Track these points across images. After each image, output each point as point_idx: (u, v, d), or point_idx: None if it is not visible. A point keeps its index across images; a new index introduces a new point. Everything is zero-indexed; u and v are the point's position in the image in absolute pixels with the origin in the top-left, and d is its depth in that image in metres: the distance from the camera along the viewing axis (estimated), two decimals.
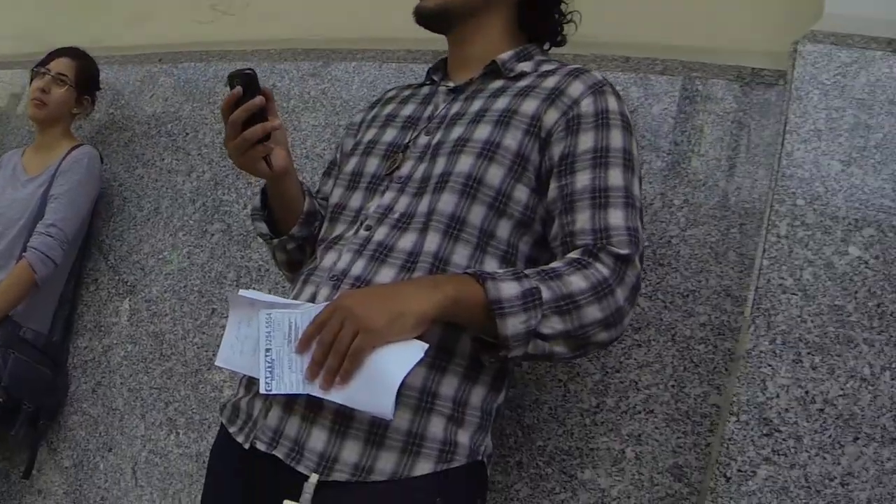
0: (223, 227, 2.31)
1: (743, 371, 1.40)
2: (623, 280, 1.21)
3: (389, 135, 1.46)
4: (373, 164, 1.43)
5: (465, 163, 1.30)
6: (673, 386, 1.62)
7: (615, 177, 1.27)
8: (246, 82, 1.30)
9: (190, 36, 2.68)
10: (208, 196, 2.38)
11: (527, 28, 1.50)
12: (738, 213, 1.66)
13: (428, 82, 1.55)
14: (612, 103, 1.33)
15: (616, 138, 1.30)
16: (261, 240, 1.63)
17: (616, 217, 1.24)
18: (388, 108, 1.53)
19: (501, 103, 1.36)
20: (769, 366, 1.39)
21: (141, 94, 2.65)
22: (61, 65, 2.54)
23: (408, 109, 1.49)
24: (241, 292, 1.26)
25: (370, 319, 1.09)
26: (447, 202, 1.28)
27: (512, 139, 1.31)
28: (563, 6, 1.53)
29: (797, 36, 1.53)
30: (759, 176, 1.66)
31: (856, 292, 1.38)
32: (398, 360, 1.09)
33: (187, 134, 2.49)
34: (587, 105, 1.32)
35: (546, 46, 1.54)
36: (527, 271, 1.20)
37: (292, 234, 1.48)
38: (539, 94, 1.35)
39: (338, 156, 1.59)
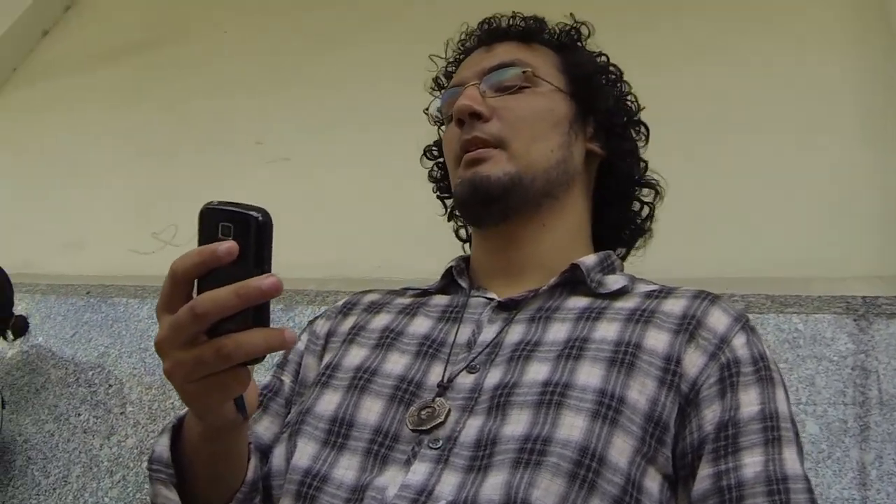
0: None
1: None
2: None
3: (396, 363, 1.00)
4: (374, 410, 0.95)
5: (571, 426, 0.85)
6: None
7: (792, 461, 0.88)
8: (245, 232, 0.66)
9: (125, 268, 2.43)
10: (130, 468, 2.03)
11: (604, 229, 1.18)
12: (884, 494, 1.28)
13: (432, 290, 1.14)
14: (764, 346, 0.97)
15: (782, 400, 0.93)
16: None
17: None
18: (380, 320, 1.09)
19: (608, 332, 0.95)
20: None
21: (62, 332, 2.34)
22: None
23: (420, 325, 1.05)
24: None
25: None
26: (546, 492, 0.81)
27: (640, 392, 0.89)
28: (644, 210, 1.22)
29: None
30: None
31: None
32: None
33: (111, 386, 2.16)
34: (742, 347, 0.94)
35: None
36: None
37: None
38: (664, 324, 0.96)
39: (284, 379, 1.10)
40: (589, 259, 1.06)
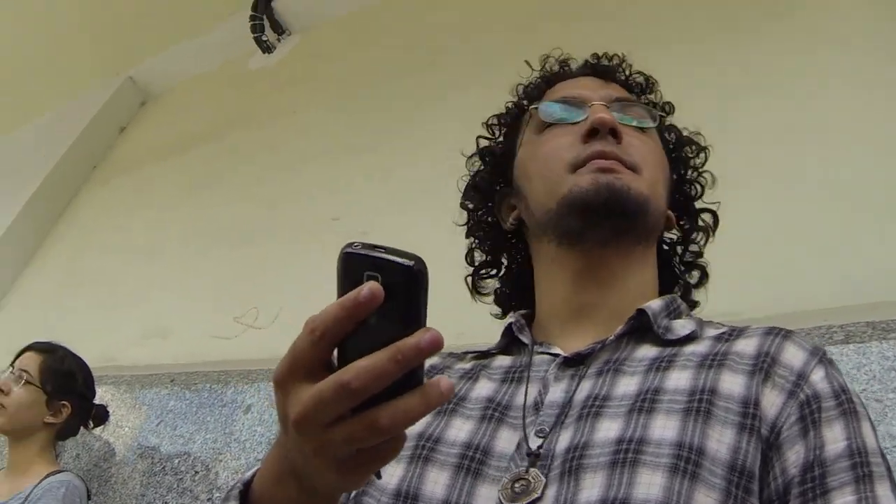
0: None
1: None
2: None
3: (461, 429, 0.92)
4: (440, 482, 0.87)
5: (649, 484, 0.79)
6: None
7: (886, 498, 0.79)
8: (396, 282, 0.56)
9: (208, 354, 2.41)
10: None
11: (666, 268, 1.12)
12: None
13: (493, 350, 1.05)
14: (843, 379, 0.89)
15: (869, 434, 0.83)
16: None
17: None
18: None
19: (680, 381, 0.88)
20: None
21: (147, 422, 2.32)
22: (24, 360, 2.20)
23: (483, 388, 0.97)
24: None
25: None
26: None
27: (720, 441, 0.81)
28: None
29: None
30: None
31: None
32: None
33: (196, 473, 2.12)
34: (821, 381, 0.86)
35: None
36: None
37: None
38: (738, 365, 0.88)
39: None
40: (655, 304, 0.99)
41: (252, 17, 3.57)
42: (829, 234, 1.64)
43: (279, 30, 3.63)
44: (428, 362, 1.00)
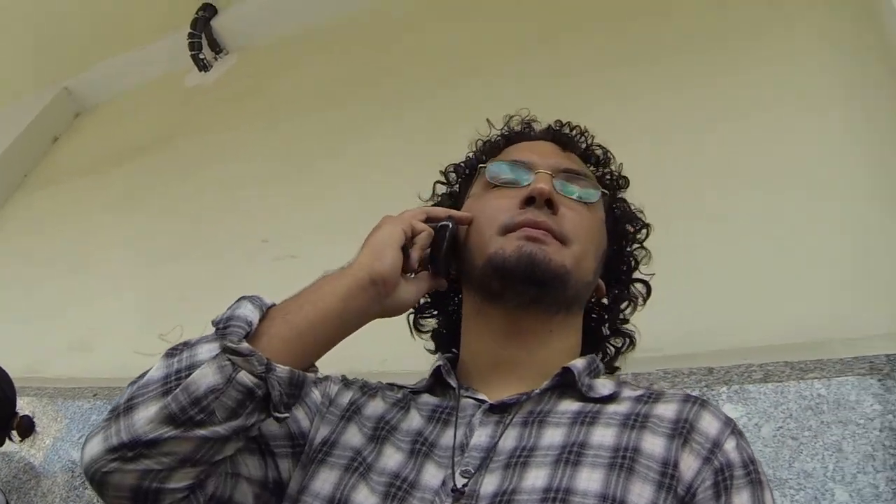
0: None
1: None
2: None
3: (391, 457, 1.00)
4: (370, 501, 0.95)
5: None
6: None
7: None
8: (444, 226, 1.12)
9: (131, 369, 2.40)
10: None
11: (591, 334, 1.17)
12: None
13: (419, 389, 1.12)
14: (751, 449, 0.98)
15: (769, 501, 0.94)
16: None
17: None
18: (376, 406, 1.09)
19: (604, 437, 0.95)
20: None
21: (68, 435, 2.32)
22: None
23: (412, 421, 1.05)
24: None
25: None
26: None
27: (640, 495, 0.89)
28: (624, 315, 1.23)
29: None
30: None
31: None
32: None
33: None
34: (732, 451, 0.95)
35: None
36: None
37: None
38: (659, 428, 0.96)
39: (319, 398, 1.09)
40: (579, 363, 1.06)
41: (190, 35, 3.58)
42: (751, 275, 1.67)
43: (217, 48, 3.65)
44: (359, 382, 1.15)
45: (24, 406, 2.33)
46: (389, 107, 2.72)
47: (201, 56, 3.60)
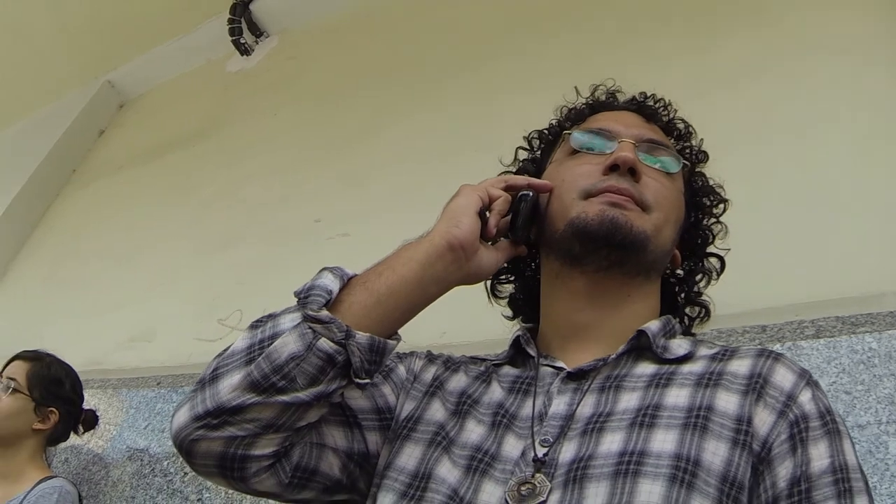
0: None
1: None
2: None
3: (472, 431, 1.00)
4: (453, 476, 0.96)
5: (649, 492, 0.85)
6: None
7: None
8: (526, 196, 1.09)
9: (193, 356, 2.43)
10: None
11: (668, 301, 1.17)
12: None
13: (500, 361, 1.11)
14: (828, 400, 0.97)
15: (849, 452, 0.92)
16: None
17: None
18: (458, 381, 1.09)
19: (679, 398, 0.95)
20: None
21: (135, 424, 2.34)
22: (11, 369, 2.21)
23: (493, 394, 1.05)
24: None
25: None
26: None
27: (715, 453, 0.88)
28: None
29: None
30: None
31: None
32: None
33: (186, 475, 2.13)
34: (808, 403, 0.93)
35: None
36: None
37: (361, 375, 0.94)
38: (733, 385, 0.95)
39: (404, 374, 1.11)
40: (653, 325, 1.06)
41: (230, 20, 3.58)
42: (800, 232, 1.67)
43: (257, 32, 3.65)
44: (443, 356, 1.16)
45: (88, 398, 2.35)
46: (432, 84, 2.70)
47: (242, 41, 3.61)
